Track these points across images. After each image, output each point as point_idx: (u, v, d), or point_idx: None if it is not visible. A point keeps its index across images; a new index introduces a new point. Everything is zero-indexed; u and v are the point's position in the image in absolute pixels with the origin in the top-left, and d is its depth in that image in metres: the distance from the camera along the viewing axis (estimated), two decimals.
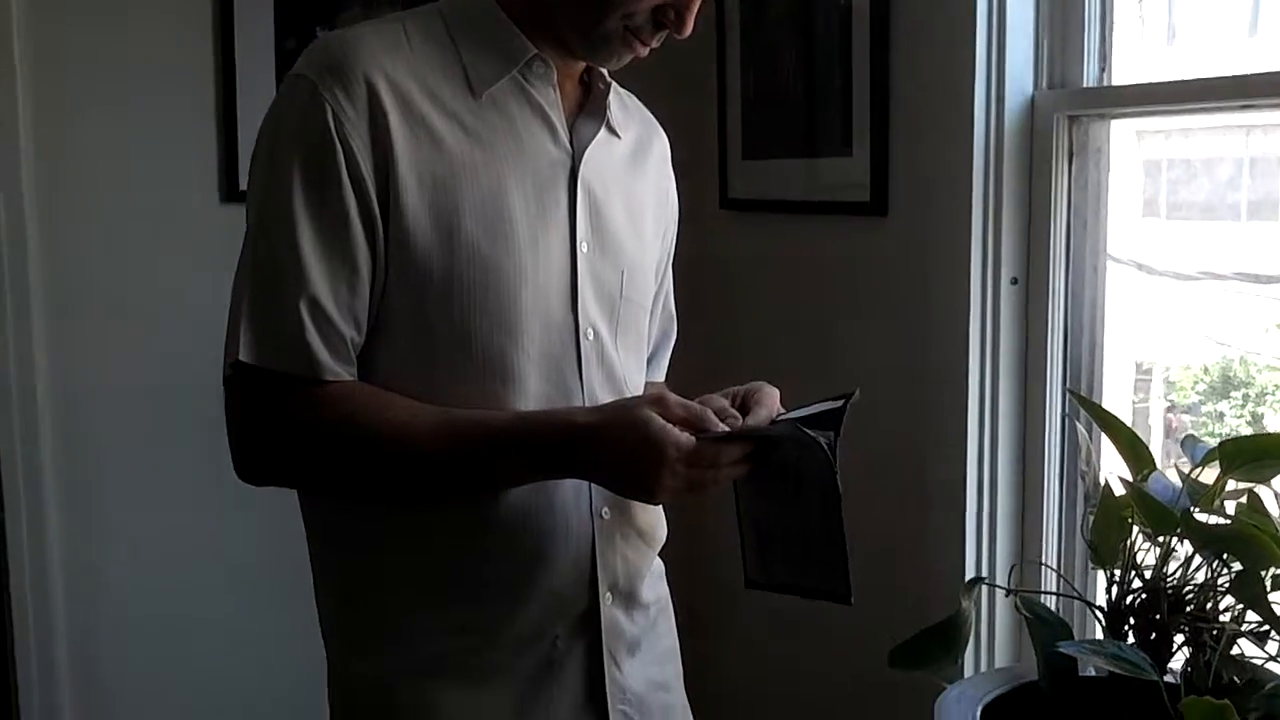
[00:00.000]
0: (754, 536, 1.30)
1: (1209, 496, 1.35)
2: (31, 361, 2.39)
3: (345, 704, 1.36)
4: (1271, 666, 1.30)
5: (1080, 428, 1.64)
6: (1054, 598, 1.77)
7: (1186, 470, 1.40)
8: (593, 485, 1.31)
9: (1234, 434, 1.87)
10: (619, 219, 1.37)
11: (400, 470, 1.24)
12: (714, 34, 2.45)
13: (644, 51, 1.30)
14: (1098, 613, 1.41)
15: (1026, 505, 1.97)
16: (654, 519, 1.42)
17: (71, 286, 2.42)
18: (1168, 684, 1.27)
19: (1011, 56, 1.90)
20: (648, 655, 1.43)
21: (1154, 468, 1.40)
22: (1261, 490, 1.34)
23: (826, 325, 2.28)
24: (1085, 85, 1.88)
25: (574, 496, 1.31)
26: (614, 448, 1.19)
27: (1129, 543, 1.37)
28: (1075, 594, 1.75)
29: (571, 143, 1.33)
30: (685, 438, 1.17)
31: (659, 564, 1.48)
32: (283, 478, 1.29)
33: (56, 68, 2.37)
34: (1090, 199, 1.90)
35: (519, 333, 1.27)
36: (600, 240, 1.34)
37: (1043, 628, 1.38)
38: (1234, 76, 1.68)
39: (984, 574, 1.96)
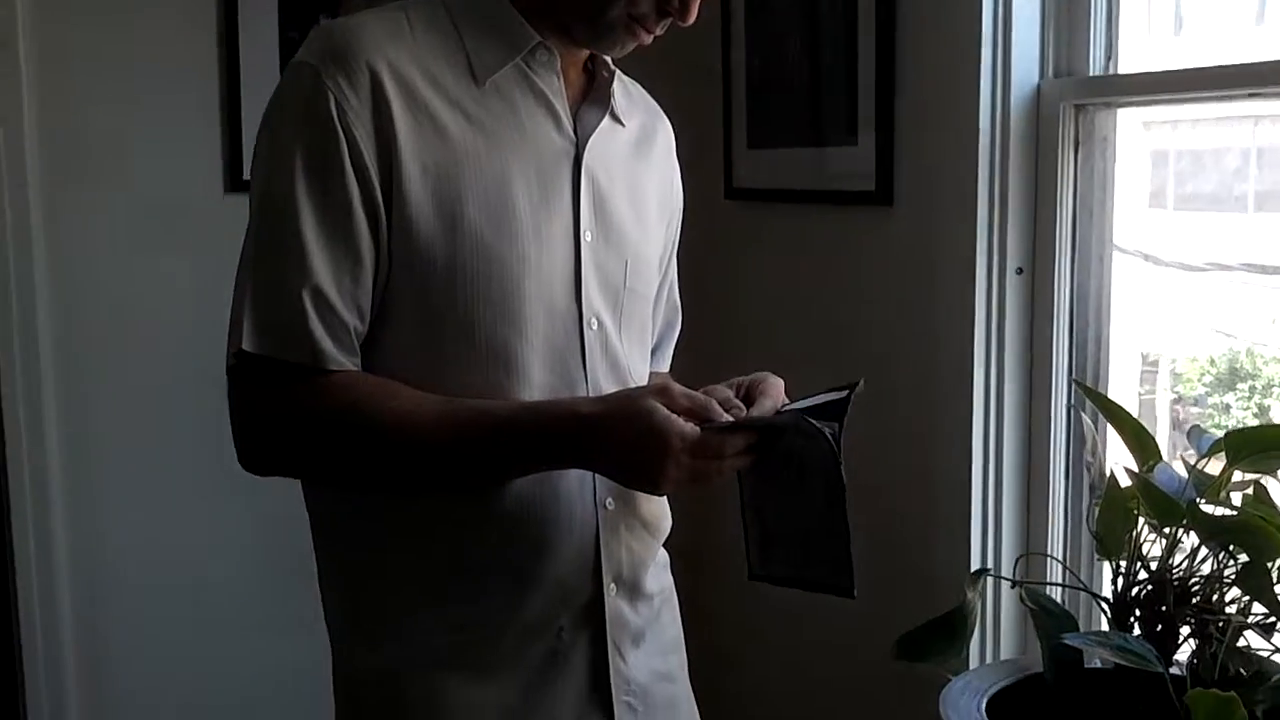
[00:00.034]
0: (757, 529, 1.29)
1: (1215, 488, 1.35)
2: (37, 352, 2.39)
3: (350, 696, 1.36)
4: (1278, 658, 1.30)
5: (1085, 419, 1.64)
6: (1059, 589, 1.76)
7: (1192, 461, 1.39)
8: (597, 476, 1.30)
9: (1240, 425, 1.86)
10: (623, 208, 1.37)
11: (403, 460, 1.24)
12: (719, 22, 2.44)
13: (648, 39, 1.30)
14: (1103, 604, 1.40)
15: (1032, 496, 1.97)
16: (658, 510, 1.41)
17: (76, 280, 2.42)
18: (1173, 676, 1.27)
19: (1017, 45, 1.89)
20: (652, 646, 1.42)
21: (1159, 458, 1.40)
22: (1268, 481, 1.33)
23: (831, 315, 2.27)
24: (1091, 74, 1.87)
25: (578, 487, 1.30)
26: (618, 438, 1.18)
27: (1134, 534, 1.37)
28: (1081, 585, 1.74)
29: (575, 131, 1.33)
30: (690, 428, 1.17)
31: (663, 554, 1.47)
32: (286, 468, 1.29)
33: (62, 56, 2.37)
34: (1096, 188, 1.89)
35: (522, 322, 1.26)
36: (604, 229, 1.34)
37: (1048, 619, 1.38)
38: (1240, 65, 1.67)
39: (989, 565, 1.95)
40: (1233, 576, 1.31)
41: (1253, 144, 1.98)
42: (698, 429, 1.17)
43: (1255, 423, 1.92)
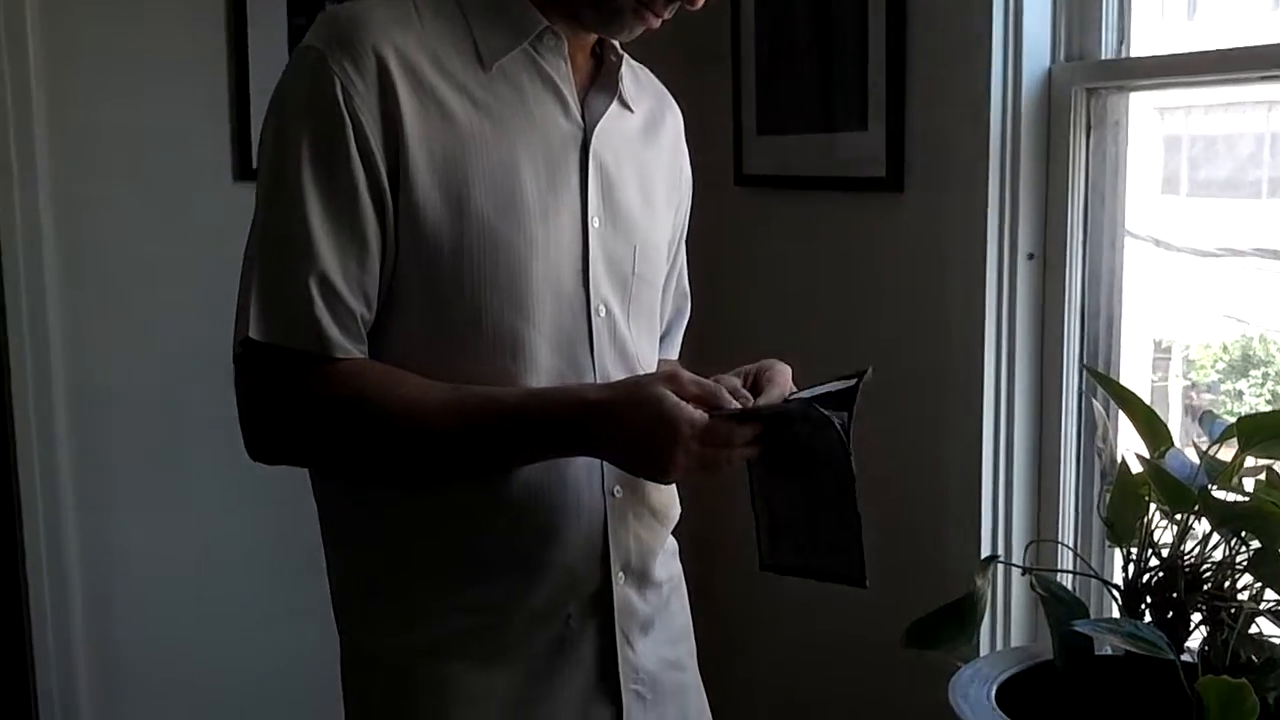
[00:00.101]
0: (767, 519, 1.29)
1: (1227, 474, 1.34)
2: (47, 344, 2.39)
3: (359, 684, 1.36)
4: None
5: (1097, 405, 1.63)
6: (1070, 576, 1.76)
7: (1204, 447, 1.39)
8: (605, 464, 1.30)
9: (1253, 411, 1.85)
10: (631, 194, 1.36)
11: (411, 447, 1.24)
12: (728, 6, 2.43)
13: (656, 23, 1.29)
14: (1114, 591, 1.40)
15: (1043, 483, 1.96)
16: (667, 498, 1.41)
17: (86, 272, 2.42)
18: (1184, 663, 1.26)
19: (1029, 28, 1.88)
20: (661, 634, 1.42)
21: (1171, 444, 1.39)
22: None
23: (842, 301, 2.26)
24: (1103, 57, 1.86)
25: (586, 474, 1.30)
26: (627, 425, 1.18)
27: (1146, 520, 1.36)
28: (1091, 572, 1.74)
29: (583, 116, 1.32)
30: (699, 415, 1.16)
31: (672, 542, 1.47)
32: (294, 456, 1.29)
33: (71, 50, 2.37)
34: (1108, 173, 1.88)
35: (530, 308, 1.26)
36: (612, 215, 1.33)
37: (1059, 606, 1.37)
38: (1253, 47, 1.65)
39: (999, 552, 1.95)
40: (1244, 563, 1.30)
41: (1267, 129, 1.97)
42: (707, 416, 1.16)
43: (1268, 409, 1.91)
